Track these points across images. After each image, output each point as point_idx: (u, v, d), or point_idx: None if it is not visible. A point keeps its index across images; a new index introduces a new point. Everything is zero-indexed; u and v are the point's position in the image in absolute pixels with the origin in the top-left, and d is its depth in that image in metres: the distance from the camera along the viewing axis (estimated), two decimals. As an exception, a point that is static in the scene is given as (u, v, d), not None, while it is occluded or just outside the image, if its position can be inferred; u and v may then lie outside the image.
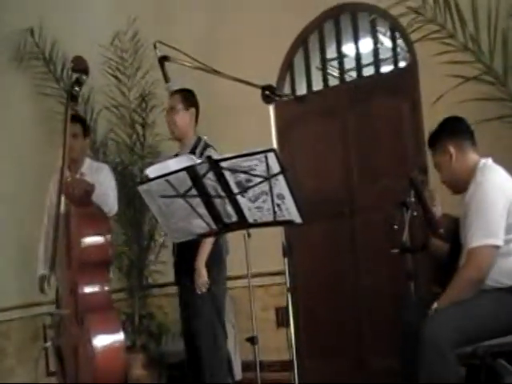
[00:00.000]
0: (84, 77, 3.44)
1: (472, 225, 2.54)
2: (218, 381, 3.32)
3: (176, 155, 3.42)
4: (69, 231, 3.47)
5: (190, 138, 3.56)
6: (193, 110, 3.57)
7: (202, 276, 3.32)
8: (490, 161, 2.71)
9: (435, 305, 2.51)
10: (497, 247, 2.51)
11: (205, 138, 3.51)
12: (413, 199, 2.65)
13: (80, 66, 3.47)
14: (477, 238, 2.51)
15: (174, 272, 3.58)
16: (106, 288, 3.45)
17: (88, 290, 3.38)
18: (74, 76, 3.50)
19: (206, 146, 3.49)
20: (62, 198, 3.42)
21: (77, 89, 3.44)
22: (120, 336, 3.32)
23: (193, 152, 3.31)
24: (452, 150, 2.72)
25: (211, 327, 3.34)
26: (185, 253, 3.39)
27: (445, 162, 2.73)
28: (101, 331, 3.26)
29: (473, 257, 2.51)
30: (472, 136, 2.79)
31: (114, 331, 3.32)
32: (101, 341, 3.24)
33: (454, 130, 2.79)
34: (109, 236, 3.49)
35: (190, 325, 3.44)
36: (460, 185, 2.71)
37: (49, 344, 3.42)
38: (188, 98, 3.57)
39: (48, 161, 4.18)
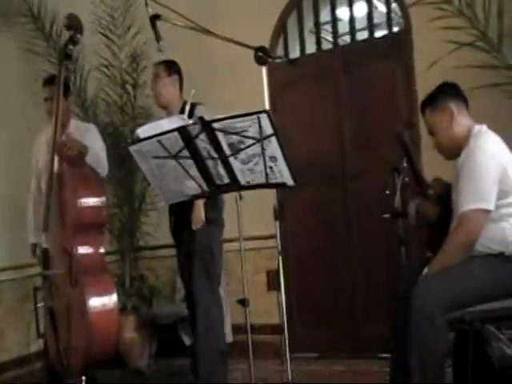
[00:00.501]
0: (78, 35, 3.39)
1: (463, 189, 2.55)
2: (210, 340, 3.35)
3: None
4: (62, 192, 3.44)
5: (175, 105, 3.61)
6: (176, 76, 3.65)
7: (199, 211, 3.35)
8: (484, 127, 2.71)
9: (426, 270, 2.53)
10: (488, 212, 2.52)
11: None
12: (405, 164, 2.65)
13: (74, 24, 3.41)
14: (468, 202, 2.52)
15: (172, 233, 3.58)
16: (101, 250, 3.46)
17: (82, 251, 3.38)
18: (68, 34, 3.44)
19: (194, 104, 3.41)
20: (56, 158, 3.39)
21: (71, 47, 3.39)
22: (114, 297, 3.33)
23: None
24: (453, 108, 2.71)
25: (208, 288, 3.36)
26: (182, 213, 3.40)
27: (443, 122, 2.71)
28: (95, 292, 3.27)
29: (464, 221, 2.52)
30: (467, 102, 2.80)
31: (107, 292, 3.33)
32: (95, 301, 3.25)
33: (453, 91, 2.78)
34: (104, 198, 3.49)
35: (189, 285, 3.47)
36: (454, 149, 2.71)
37: (41, 304, 3.42)
38: (170, 66, 3.66)
39: (36, 120, 4.13)
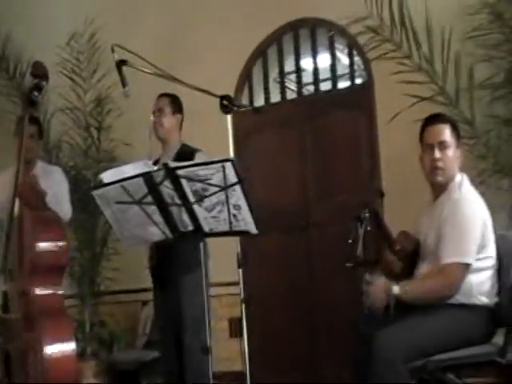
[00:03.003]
0: (44, 83, 3.40)
1: (448, 240, 2.54)
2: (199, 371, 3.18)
3: (157, 161, 3.31)
4: (22, 234, 3.40)
5: (175, 141, 3.51)
6: (179, 116, 3.55)
7: None
8: (465, 177, 2.72)
9: (395, 289, 2.48)
10: (469, 266, 2.53)
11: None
12: (367, 215, 2.66)
13: (40, 72, 3.41)
14: (452, 255, 2.51)
15: (152, 277, 3.45)
16: (59, 293, 3.39)
17: (40, 294, 3.31)
18: (33, 81, 3.45)
19: (194, 150, 3.42)
20: (17, 201, 3.36)
21: (36, 94, 3.39)
22: (72, 343, 3.26)
23: (178, 159, 3.20)
24: (460, 151, 2.71)
25: (197, 323, 3.19)
26: (165, 259, 3.29)
27: (456, 153, 2.67)
28: (52, 337, 3.19)
29: (445, 273, 2.52)
30: None
31: (66, 338, 3.25)
32: (52, 347, 3.16)
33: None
34: (64, 242, 3.44)
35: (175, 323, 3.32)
36: (444, 180, 2.67)
37: None
38: (176, 102, 3.54)
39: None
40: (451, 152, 2.66)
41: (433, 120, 2.74)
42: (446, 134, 2.68)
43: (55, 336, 3.21)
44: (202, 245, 2.60)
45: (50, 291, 3.35)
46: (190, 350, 3.22)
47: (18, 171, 3.35)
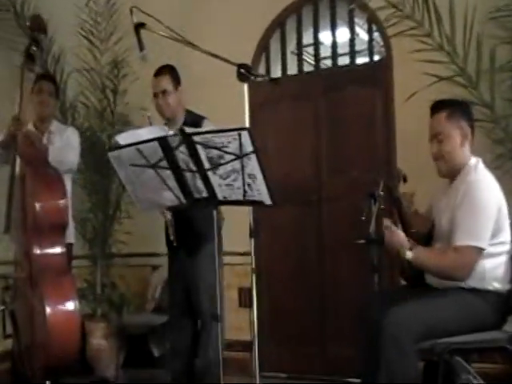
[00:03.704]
0: (41, 36, 3.39)
1: (462, 222, 2.54)
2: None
3: (165, 125, 3.37)
4: (24, 193, 3.41)
5: (180, 115, 3.51)
6: (180, 88, 3.52)
7: None
8: (481, 162, 2.71)
9: (408, 255, 2.53)
10: (482, 250, 2.53)
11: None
12: (381, 193, 2.65)
13: (37, 25, 3.43)
14: (465, 238, 2.52)
15: (168, 245, 3.45)
16: (61, 251, 3.41)
17: (42, 252, 3.36)
18: (31, 35, 3.46)
19: (200, 118, 3.44)
20: (18, 159, 3.38)
21: (34, 48, 3.39)
22: (74, 301, 3.30)
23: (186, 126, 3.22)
24: (468, 130, 2.68)
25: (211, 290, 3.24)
26: (182, 226, 3.30)
27: (455, 138, 2.66)
28: (54, 295, 3.24)
29: (459, 256, 2.52)
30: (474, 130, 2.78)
31: (67, 296, 3.30)
32: (53, 304, 3.22)
33: (470, 114, 2.74)
34: (64, 199, 3.45)
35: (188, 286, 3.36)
36: (453, 168, 2.68)
37: (2, 307, 3.38)
38: (174, 76, 3.51)
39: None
40: (450, 145, 2.66)
41: (432, 109, 2.75)
42: (441, 124, 2.67)
43: (57, 294, 3.26)
44: (215, 212, 2.62)
45: (50, 250, 3.40)
46: (206, 314, 3.23)
47: (17, 130, 3.38)
